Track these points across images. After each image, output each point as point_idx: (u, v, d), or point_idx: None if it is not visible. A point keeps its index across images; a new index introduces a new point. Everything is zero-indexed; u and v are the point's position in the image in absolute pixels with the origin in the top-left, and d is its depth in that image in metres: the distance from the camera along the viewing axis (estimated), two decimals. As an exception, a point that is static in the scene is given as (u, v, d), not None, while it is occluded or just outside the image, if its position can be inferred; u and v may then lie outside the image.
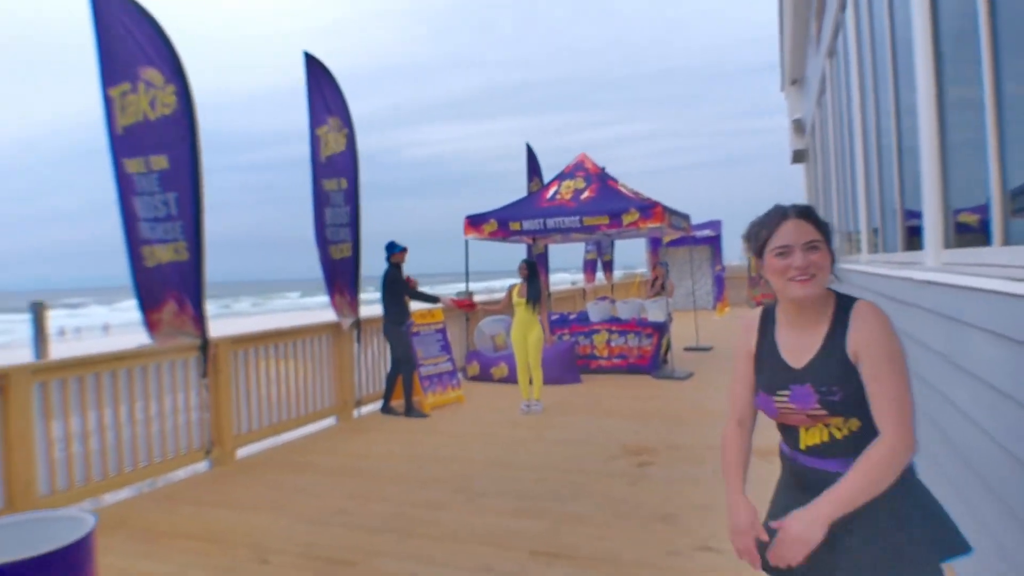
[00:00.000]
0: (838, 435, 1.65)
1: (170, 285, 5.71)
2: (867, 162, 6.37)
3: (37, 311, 11.13)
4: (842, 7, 7.27)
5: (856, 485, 1.52)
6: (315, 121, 7.38)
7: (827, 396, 1.62)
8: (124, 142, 5.66)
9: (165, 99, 5.62)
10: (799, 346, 1.72)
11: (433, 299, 7.94)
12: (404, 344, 7.47)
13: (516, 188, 12.08)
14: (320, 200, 7.39)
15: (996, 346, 2.49)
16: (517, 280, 7.55)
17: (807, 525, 1.52)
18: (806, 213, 1.70)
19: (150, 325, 5.78)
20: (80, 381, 4.87)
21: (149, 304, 5.75)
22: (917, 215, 4.07)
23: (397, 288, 7.45)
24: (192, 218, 5.62)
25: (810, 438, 1.70)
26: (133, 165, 5.66)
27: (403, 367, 7.43)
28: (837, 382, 1.61)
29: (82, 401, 4.87)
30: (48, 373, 4.66)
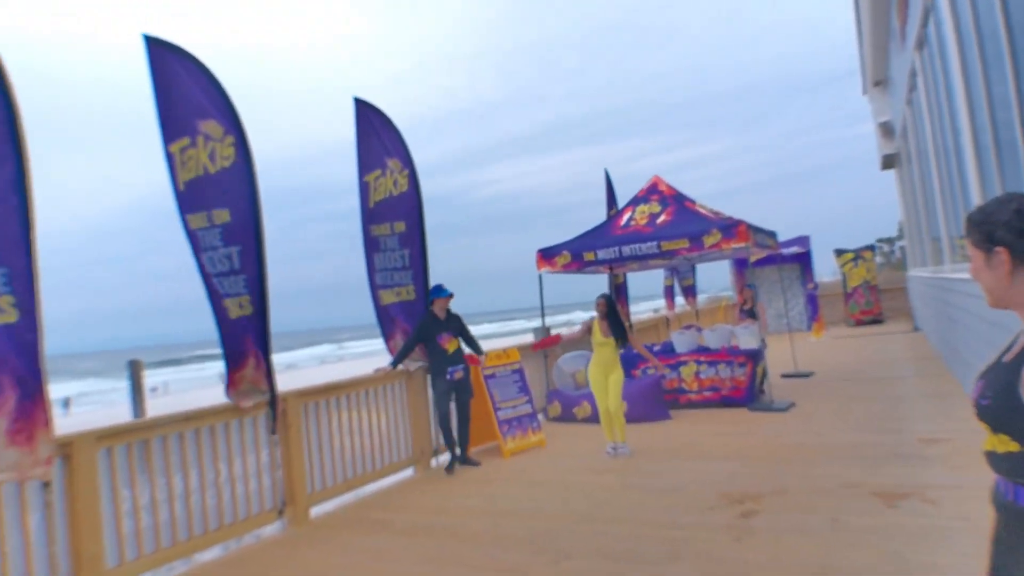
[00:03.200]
0: (1000, 449, 1.57)
1: (248, 339, 5.55)
2: (981, 160, 5.67)
3: (133, 369, 11.42)
4: (934, -9, 6.61)
5: None
6: (364, 168, 7.27)
7: (981, 399, 1.58)
8: (186, 198, 5.59)
9: (224, 151, 5.53)
10: (1016, 349, 1.58)
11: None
12: (435, 394, 7.07)
13: (590, 218, 11.66)
14: (369, 246, 7.25)
15: None
16: (594, 315, 7.12)
17: None
18: (965, 224, 1.67)
19: (231, 383, 5.60)
20: (145, 445, 4.72)
21: (233, 361, 5.59)
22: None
23: (416, 335, 7.08)
24: (256, 271, 5.47)
25: (987, 443, 1.63)
26: (196, 220, 5.57)
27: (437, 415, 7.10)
28: (994, 391, 1.54)
29: (148, 466, 4.71)
30: (114, 439, 4.53)
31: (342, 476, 6.20)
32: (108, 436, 4.50)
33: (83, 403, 33.09)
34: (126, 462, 4.60)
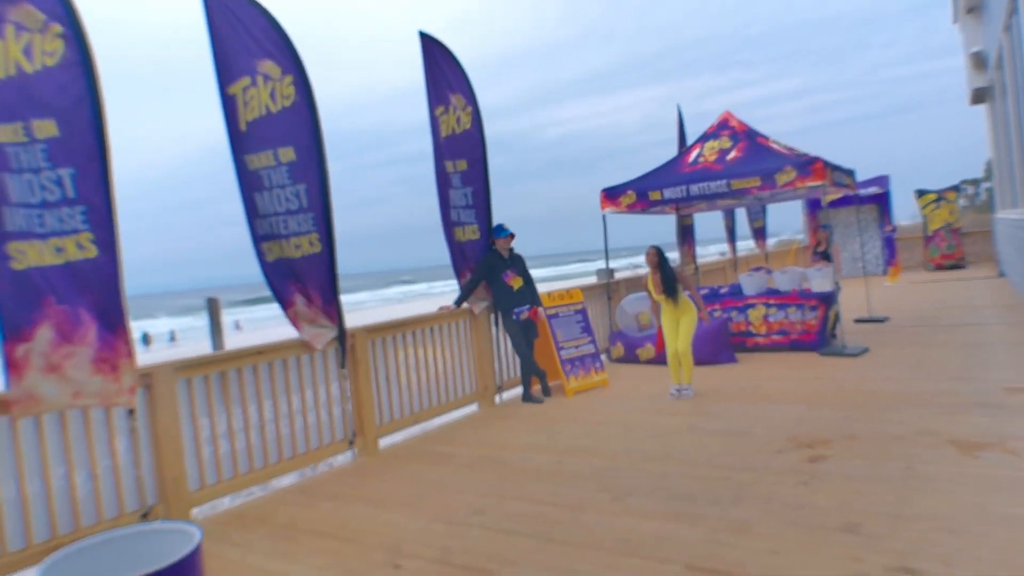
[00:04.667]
0: None
1: (294, 278, 5.64)
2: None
3: (212, 307, 11.88)
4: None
5: None
6: (434, 102, 7.15)
7: None
8: (248, 138, 5.62)
9: (284, 91, 5.53)
10: None
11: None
12: (509, 330, 7.22)
13: (658, 160, 11.26)
14: (443, 182, 7.20)
15: None
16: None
17: None
18: None
19: (292, 320, 5.75)
20: (222, 377, 4.91)
21: (282, 300, 5.73)
22: None
23: (479, 273, 7.18)
24: (322, 209, 5.52)
25: None
26: (260, 159, 5.61)
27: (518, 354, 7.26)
28: None
29: (225, 396, 4.91)
30: (191, 370, 4.72)
31: (408, 410, 6.35)
32: (186, 368, 4.69)
33: (188, 337, 34.96)
34: (204, 392, 4.80)
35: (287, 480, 5.32)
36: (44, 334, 3.97)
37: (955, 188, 19.01)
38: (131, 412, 4.33)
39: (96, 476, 4.15)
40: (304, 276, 5.62)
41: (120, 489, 4.26)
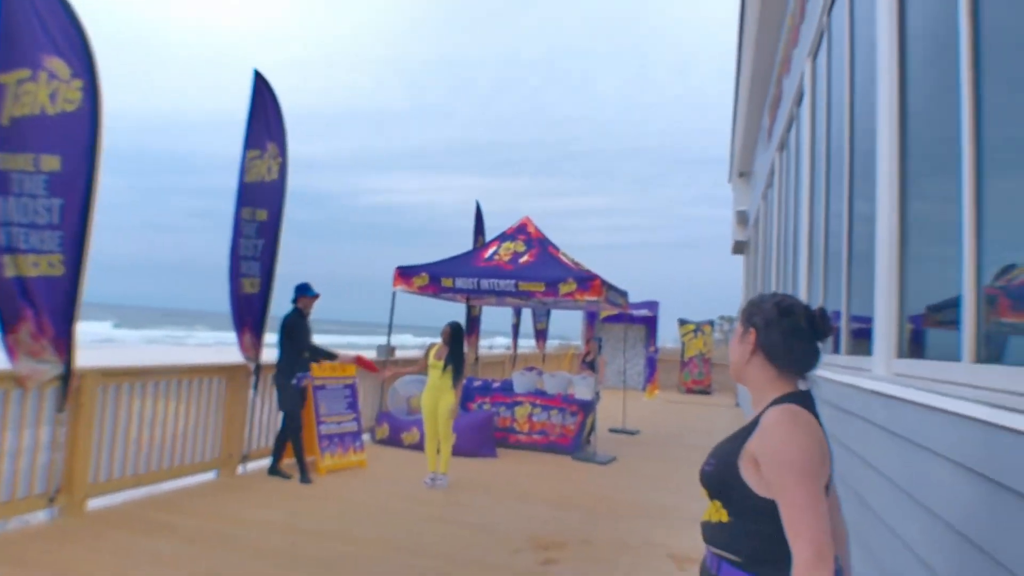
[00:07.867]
0: (713, 519, 1.65)
1: (29, 301, 4.93)
2: (812, 260, 6.17)
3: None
4: (798, 100, 7.21)
5: None
6: (250, 144, 6.86)
7: (706, 465, 1.68)
8: (9, 134, 4.95)
9: (69, 94, 5.00)
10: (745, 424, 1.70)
11: (330, 356, 7.22)
12: (290, 399, 6.70)
13: (463, 245, 11.52)
14: (237, 229, 6.82)
15: (959, 479, 2.10)
16: (438, 341, 6.99)
17: None
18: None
19: (9, 347, 4.95)
20: None
21: (8, 321, 4.94)
22: (865, 319, 3.79)
23: (295, 336, 6.76)
24: (77, 230, 4.96)
25: (706, 513, 1.70)
26: (17, 161, 4.94)
27: (288, 425, 6.72)
28: (718, 458, 1.65)
29: None
30: None
31: (133, 469, 5.65)
32: None
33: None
34: None
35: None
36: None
37: (710, 322, 21.41)
38: None
39: None
40: (39, 300, 4.92)
41: None
